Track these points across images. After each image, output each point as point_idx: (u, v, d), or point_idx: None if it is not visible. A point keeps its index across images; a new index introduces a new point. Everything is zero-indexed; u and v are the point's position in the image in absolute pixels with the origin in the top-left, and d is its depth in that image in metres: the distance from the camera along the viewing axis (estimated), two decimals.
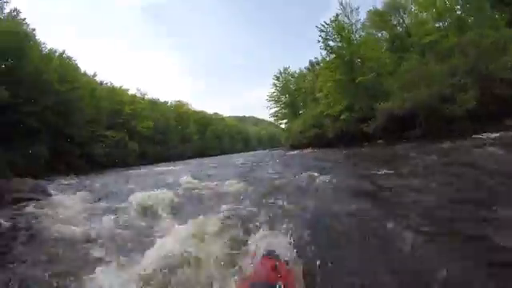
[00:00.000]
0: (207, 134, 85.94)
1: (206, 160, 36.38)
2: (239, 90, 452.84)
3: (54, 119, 31.96)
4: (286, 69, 56.16)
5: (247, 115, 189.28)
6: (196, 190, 8.34)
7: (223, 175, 11.80)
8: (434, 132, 19.85)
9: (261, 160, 22.17)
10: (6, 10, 30.06)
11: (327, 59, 34.97)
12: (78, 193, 10.17)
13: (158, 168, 24.58)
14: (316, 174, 8.64)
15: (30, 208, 7.63)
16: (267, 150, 60.52)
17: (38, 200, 8.81)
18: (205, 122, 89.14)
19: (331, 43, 32.42)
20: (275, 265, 2.44)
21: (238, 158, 27.90)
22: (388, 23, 32.84)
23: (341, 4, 31.68)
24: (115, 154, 43.92)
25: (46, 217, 6.33)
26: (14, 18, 29.71)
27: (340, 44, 31.82)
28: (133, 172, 22.77)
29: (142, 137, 56.25)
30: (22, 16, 31.06)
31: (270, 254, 2.68)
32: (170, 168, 22.91)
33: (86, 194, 9.81)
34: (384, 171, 8.12)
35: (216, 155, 62.18)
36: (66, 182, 15.87)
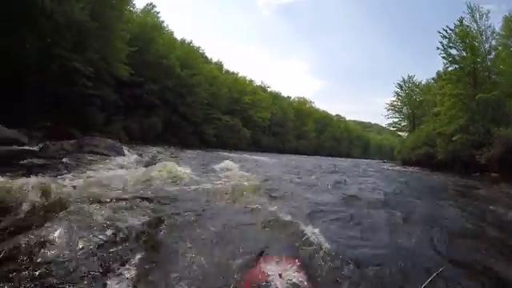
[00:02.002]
0: (325, 133, 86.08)
1: (306, 159, 36.58)
2: (368, 96, 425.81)
3: (172, 98, 37.53)
4: (410, 77, 51.73)
5: (373, 122, 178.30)
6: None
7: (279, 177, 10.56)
8: None
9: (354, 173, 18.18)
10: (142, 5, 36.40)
11: (449, 70, 30.34)
12: (139, 157, 12.84)
13: (253, 156, 24.98)
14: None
15: (90, 157, 10.21)
16: (379, 161, 56.23)
17: (104, 155, 11.65)
18: (325, 121, 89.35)
19: (453, 51, 28.71)
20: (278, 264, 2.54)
21: (342, 163, 27.63)
22: None
23: (468, 7, 27.93)
24: (226, 137, 48.47)
25: (94, 162, 8.91)
26: (148, 11, 35.78)
27: (464, 53, 28.04)
28: (229, 155, 24.04)
29: (256, 126, 59.99)
30: (156, 10, 37.58)
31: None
32: (262, 159, 23.40)
33: (140, 159, 12.11)
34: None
35: (331, 156, 61.72)
36: (153, 150, 19.00)
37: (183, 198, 5.12)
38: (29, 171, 5.94)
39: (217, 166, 11.07)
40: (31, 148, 11.13)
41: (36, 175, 5.05)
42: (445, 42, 28.60)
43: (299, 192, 7.13)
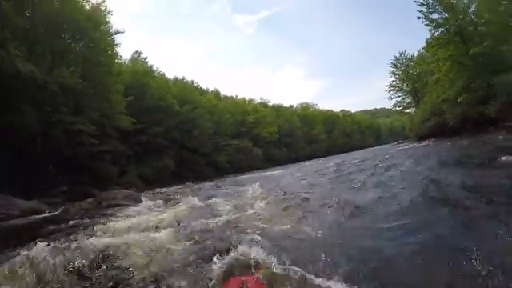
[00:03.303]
0: (335, 132, 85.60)
1: (316, 162, 36.92)
2: (367, 83, 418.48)
3: (179, 136, 38.18)
4: (402, 54, 51.62)
5: (378, 107, 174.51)
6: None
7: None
8: None
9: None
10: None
11: (436, 35, 30.45)
12: (157, 201, 13.03)
13: (266, 173, 26.10)
14: None
15: (109, 211, 10.46)
16: (394, 144, 56.65)
17: (125, 206, 11.92)
18: (331, 120, 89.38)
19: (434, 16, 28.73)
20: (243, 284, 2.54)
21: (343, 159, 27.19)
22: None
23: None
24: (239, 160, 48.83)
25: (116, 214, 9.19)
26: (135, 59, 36.81)
27: (445, 14, 28.10)
28: (243, 177, 25.13)
29: (266, 142, 60.56)
30: (143, 56, 38.86)
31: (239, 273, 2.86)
32: (274, 172, 24.59)
33: (158, 202, 12.11)
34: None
35: (344, 153, 61.32)
36: (169, 190, 19.45)
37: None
38: (47, 238, 6.15)
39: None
40: (52, 213, 11.49)
41: (52, 241, 5.34)
42: (424, 9, 28.81)
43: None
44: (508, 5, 24.77)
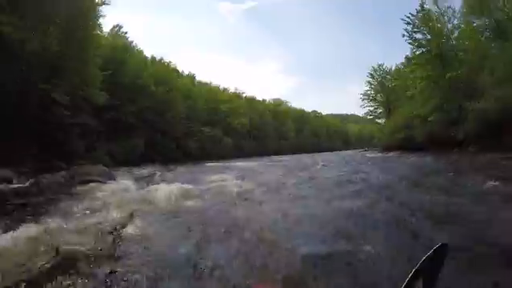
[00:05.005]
0: (304, 131, 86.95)
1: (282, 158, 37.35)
2: (341, 88, 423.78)
3: (151, 117, 37.12)
4: (380, 65, 54.01)
5: (349, 113, 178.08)
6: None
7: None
8: None
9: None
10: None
11: (416, 54, 31.70)
12: (131, 179, 12.91)
13: (237, 163, 26.72)
14: None
15: (86, 187, 10.46)
16: (361, 150, 58.89)
17: (99, 182, 11.55)
18: (302, 119, 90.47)
19: (418, 36, 30.21)
20: None
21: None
22: (486, 7, 26.24)
23: None
24: (209, 148, 48.33)
25: (89, 192, 9.12)
26: (115, 33, 35.49)
27: (429, 36, 29.37)
28: (211, 165, 26.01)
29: (237, 132, 60.44)
30: (123, 30, 37.69)
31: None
32: (244, 164, 25.21)
33: (134, 181, 12.35)
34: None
35: (311, 152, 62.55)
36: (141, 171, 19.35)
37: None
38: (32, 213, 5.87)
39: None
40: (22, 185, 10.90)
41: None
42: (409, 28, 30.10)
43: None
44: (488, 38, 26.01)
